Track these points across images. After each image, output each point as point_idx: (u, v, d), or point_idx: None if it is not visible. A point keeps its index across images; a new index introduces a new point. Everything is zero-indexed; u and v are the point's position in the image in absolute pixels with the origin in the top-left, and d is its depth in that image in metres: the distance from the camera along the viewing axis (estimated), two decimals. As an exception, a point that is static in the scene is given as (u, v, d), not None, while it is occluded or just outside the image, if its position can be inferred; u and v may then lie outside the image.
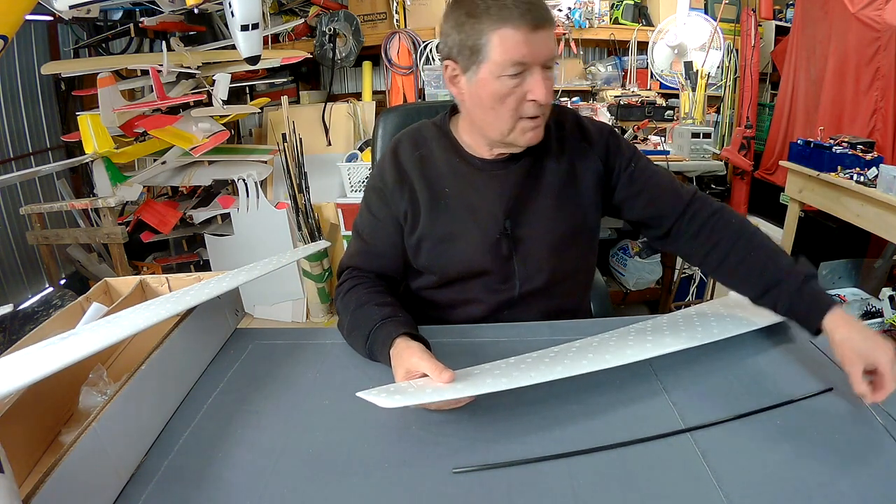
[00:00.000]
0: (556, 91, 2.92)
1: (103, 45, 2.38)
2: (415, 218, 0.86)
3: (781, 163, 2.31)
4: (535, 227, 0.85)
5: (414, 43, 2.66)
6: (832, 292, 2.02)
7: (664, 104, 2.74)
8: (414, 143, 0.89)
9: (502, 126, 0.78)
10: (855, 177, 1.86)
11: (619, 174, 0.87)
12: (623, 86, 2.98)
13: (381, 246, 0.89)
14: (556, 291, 0.90)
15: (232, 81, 2.28)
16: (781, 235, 2.30)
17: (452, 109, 0.91)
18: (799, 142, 2.16)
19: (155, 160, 2.28)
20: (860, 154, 1.92)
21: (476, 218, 0.85)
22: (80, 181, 2.71)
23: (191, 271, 1.87)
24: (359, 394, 0.60)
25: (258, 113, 2.79)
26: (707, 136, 2.48)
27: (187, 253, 2.62)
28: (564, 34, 2.78)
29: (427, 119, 0.93)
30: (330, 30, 2.64)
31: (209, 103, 2.25)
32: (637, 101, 2.70)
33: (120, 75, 2.29)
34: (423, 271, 0.90)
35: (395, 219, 0.87)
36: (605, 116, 2.68)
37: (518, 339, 0.77)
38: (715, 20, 2.58)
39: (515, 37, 0.72)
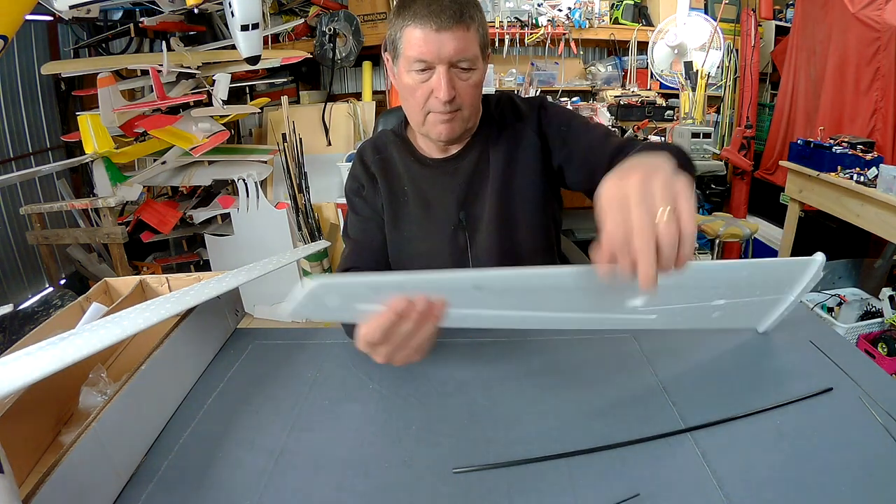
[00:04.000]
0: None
1: (103, 45, 2.38)
2: (387, 214, 0.92)
3: (781, 163, 2.31)
4: (484, 213, 0.88)
5: (414, 43, 2.66)
6: (832, 292, 2.02)
7: (664, 104, 2.74)
8: (375, 148, 0.95)
9: (416, 117, 0.84)
10: (855, 177, 1.86)
11: (553, 140, 0.89)
12: (623, 86, 2.98)
13: (370, 241, 0.93)
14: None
15: (232, 81, 2.29)
16: (781, 235, 2.31)
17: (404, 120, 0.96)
18: (799, 142, 2.16)
19: (155, 160, 2.28)
20: (860, 154, 1.93)
21: (433, 214, 0.89)
22: (80, 181, 2.71)
23: (191, 271, 1.87)
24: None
25: (258, 113, 2.79)
26: (707, 136, 2.48)
27: (187, 253, 2.62)
28: (564, 34, 2.78)
29: None
30: (330, 30, 2.65)
31: (209, 103, 2.25)
32: (637, 101, 2.71)
33: (120, 75, 2.29)
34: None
35: (378, 213, 0.93)
36: (604, 116, 2.68)
37: (518, 339, 0.77)
38: (715, 20, 2.58)
39: (418, 35, 0.76)
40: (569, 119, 0.89)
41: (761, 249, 2.66)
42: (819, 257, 0.66)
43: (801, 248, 2.20)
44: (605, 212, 0.44)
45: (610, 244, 0.43)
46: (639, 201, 0.42)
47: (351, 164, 0.98)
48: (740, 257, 2.83)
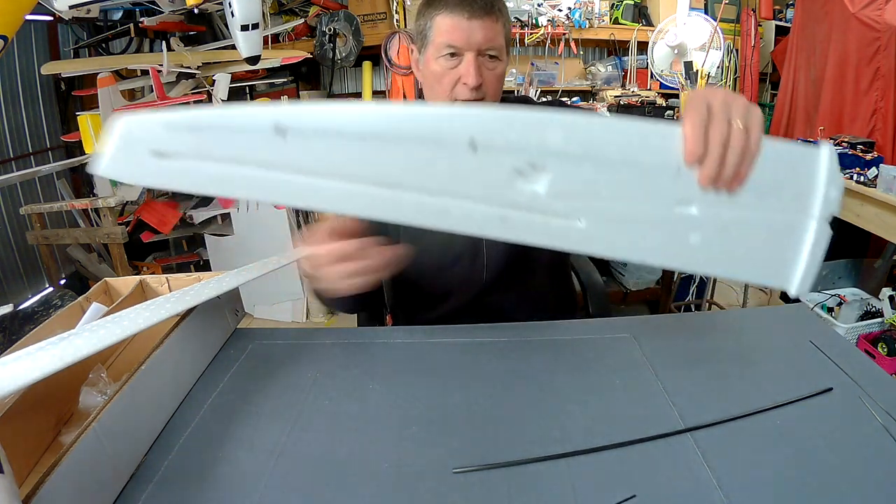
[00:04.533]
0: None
1: (103, 45, 2.38)
2: None
3: (781, 163, 2.31)
4: None
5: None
6: (832, 292, 2.02)
7: (664, 104, 2.74)
8: None
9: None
10: (855, 177, 1.86)
11: None
12: (623, 86, 2.98)
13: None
14: (524, 272, 0.93)
15: (232, 81, 2.29)
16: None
17: None
18: (799, 141, 2.16)
19: (155, 160, 2.27)
20: (860, 154, 1.92)
21: None
22: (80, 181, 2.71)
23: (191, 271, 1.87)
24: None
25: (258, 113, 2.79)
26: (707, 136, 2.48)
27: (187, 253, 2.62)
28: (564, 34, 2.78)
29: None
30: (330, 30, 2.64)
31: (209, 103, 2.25)
32: (637, 101, 2.71)
33: (120, 75, 2.29)
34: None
35: None
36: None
37: (518, 339, 0.77)
38: (715, 20, 2.58)
39: (449, 22, 0.79)
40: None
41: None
42: (825, 147, 0.49)
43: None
44: (688, 104, 0.48)
45: (691, 127, 0.46)
46: (721, 106, 0.47)
47: None
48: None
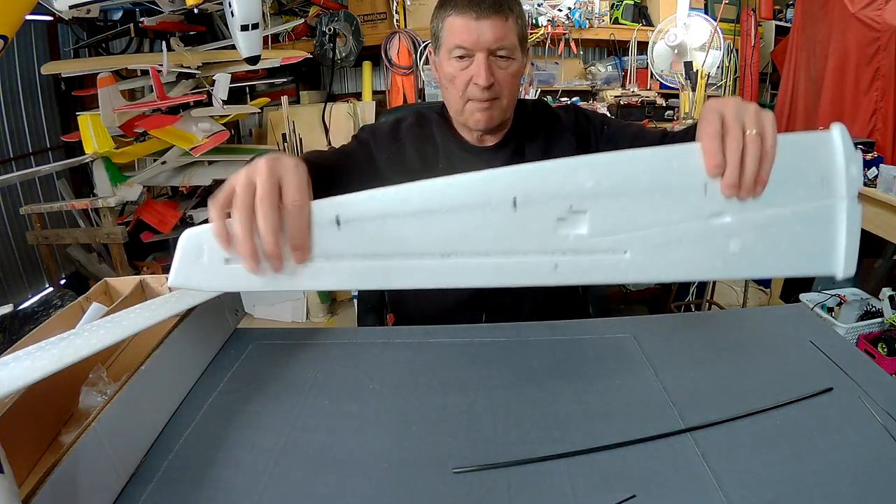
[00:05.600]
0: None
1: (103, 45, 2.39)
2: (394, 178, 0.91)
3: (781, 163, 2.31)
4: None
5: (414, 43, 2.66)
6: (832, 292, 2.02)
7: (664, 104, 2.74)
8: (417, 120, 0.96)
9: (456, 106, 0.87)
10: (855, 177, 1.86)
11: (597, 138, 0.93)
12: (623, 86, 2.98)
13: (331, 158, 0.88)
14: None
15: (232, 81, 2.29)
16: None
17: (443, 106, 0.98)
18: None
19: (155, 160, 2.28)
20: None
21: None
22: (80, 181, 2.71)
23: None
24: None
25: (258, 113, 2.79)
26: (707, 136, 2.48)
27: (187, 253, 2.61)
28: (564, 34, 2.78)
29: None
30: (330, 30, 2.65)
31: (209, 103, 2.25)
32: (637, 101, 2.71)
33: (120, 75, 2.29)
34: None
35: (365, 158, 0.91)
36: (605, 116, 2.68)
37: (518, 339, 0.77)
38: (715, 20, 2.58)
39: (459, 23, 0.80)
40: (606, 120, 0.95)
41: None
42: (836, 128, 0.50)
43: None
44: (702, 118, 0.50)
45: (707, 140, 0.48)
46: (733, 116, 0.49)
47: (376, 122, 1.01)
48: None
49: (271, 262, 0.48)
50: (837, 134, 0.50)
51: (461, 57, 0.81)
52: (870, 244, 2.17)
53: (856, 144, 0.50)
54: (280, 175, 0.47)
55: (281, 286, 0.51)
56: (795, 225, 0.50)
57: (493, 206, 0.48)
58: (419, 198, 0.48)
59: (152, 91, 2.10)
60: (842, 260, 0.52)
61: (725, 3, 2.60)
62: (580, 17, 2.77)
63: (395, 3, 2.69)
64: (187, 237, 0.50)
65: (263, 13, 2.11)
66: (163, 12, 2.03)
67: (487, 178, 0.48)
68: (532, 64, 2.96)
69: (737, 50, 2.88)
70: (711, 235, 0.49)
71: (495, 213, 0.48)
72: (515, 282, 0.50)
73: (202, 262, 0.50)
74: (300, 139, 2.40)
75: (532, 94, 2.80)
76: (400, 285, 0.50)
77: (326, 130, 2.65)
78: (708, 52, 2.60)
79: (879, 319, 1.87)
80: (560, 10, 2.76)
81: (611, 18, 2.88)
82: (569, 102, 2.78)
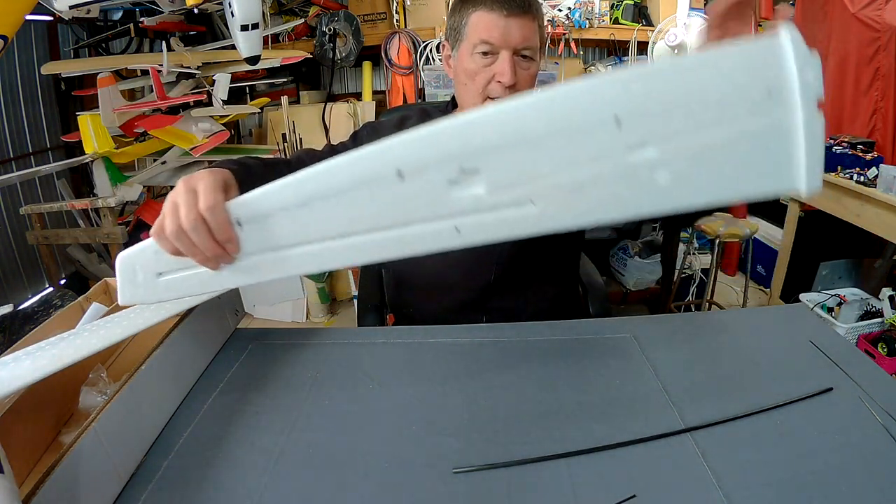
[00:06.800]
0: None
1: (103, 45, 2.38)
2: None
3: (781, 163, 2.31)
4: None
5: (414, 43, 2.65)
6: (832, 292, 2.02)
7: (664, 104, 2.73)
8: (422, 118, 0.95)
9: (472, 102, 0.85)
10: (855, 177, 1.86)
11: None
12: (623, 86, 2.97)
13: (321, 157, 0.85)
14: (532, 276, 0.93)
15: (232, 81, 2.28)
16: (781, 235, 2.31)
17: (452, 102, 0.97)
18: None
19: (155, 160, 2.27)
20: (860, 154, 1.93)
21: None
22: (80, 181, 2.71)
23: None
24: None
25: (258, 113, 2.79)
26: (707, 135, 2.48)
27: (187, 253, 2.61)
28: (564, 34, 2.78)
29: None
30: (330, 30, 2.64)
31: (209, 103, 2.25)
32: (637, 101, 2.70)
33: (120, 75, 2.29)
34: None
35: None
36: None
37: (518, 339, 0.77)
38: (715, 20, 2.57)
39: (486, 19, 0.78)
40: None
41: (761, 249, 2.66)
42: (784, 29, 0.42)
43: (802, 248, 2.20)
44: None
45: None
46: None
47: (377, 119, 1.00)
48: (740, 257, 2.82)
49: (222, 260, 0.52)
50: (786, 37, 0.43)
51: (485, 53, 0.80)
52: (870, 244, 2.17)
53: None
54: (194, 187, 0.52)
55: (209, 288, 0.56)
56: (740, 145, 0.44)
57: (378, 181, 0.47)
58: (306, 186, 0.49)
59: (152, 91, 2.10)
60: (803, 173, 0.45)
61: (725, 3, 2.60)
62: (580, 17, 2.76)
63: (395, 3, 2.69)
64: (120, 261, 0.55)
65: (263, 13, 2.11)
66: (163, 12, 2.03)
67: (367, 155, 0.47)
68: (532, 64, 2.96)
69: (737, 50, 2.88)
70: (632, 171, 0.45)
71: (382, 188, 0.47)
72: (420, 249, 0.50)
73: (139, 281, 0.55)
74: (300, 139, 2.40)
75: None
76: (311, 269, 0.53)
77: (326, 130, 2.65)
78: (708, 52, 2.60)
79: (879, 319, 1.88)
80: (560, 10, 2.76)
81: (611, 18, 2.88)
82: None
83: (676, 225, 1.94)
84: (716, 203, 0.47)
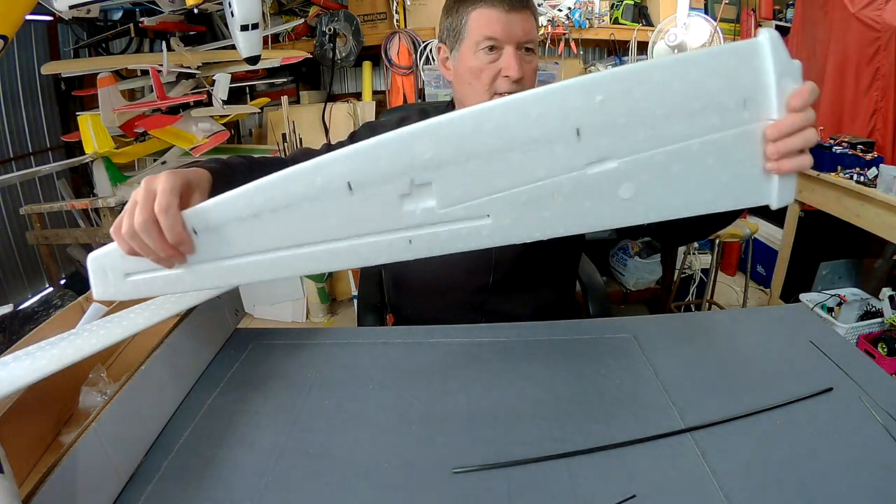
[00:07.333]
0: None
1: (103, 45, 2.38)
2: None
3: (781, 163, 2.31)
4: None
5: (414, 43, 2.65)
6: (832, 292, 2.02)
7: (664, 104, 2.73)
8: (422, 119, 0.93)
9: (478, 100, 0.82)
10: (855, 177, 1.86)
11: None
12: (623, 86, 2.97)
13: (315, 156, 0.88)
14: (531, 281, 0.93)
15: (232, 81, 2.28)
16: (781, 235, 2.31)
17: (451, 105, 0.96)
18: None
19: (155, 160, 2.28)
20: (860, 154, 1.93)
21: None
22: (80, 181, 2.71)
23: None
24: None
25: (258, 113, 2.79)
26: (707, 135, 2.48)
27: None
28: (564, 34, 2.77)
29: None
30: (330, 30, 2.64)
31: (209, 103, 2.25)
32: (637, 101, 2.70)
33: (120, 75, 2.29)
34: None
35: None
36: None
37: (518, 339, 0.77)
38: (715, 20, 2.57)
39: (489, 15, 0.79)
40: None
41: (761, 249, 2.66)
42: (764, 33, 0.40)
43: (802, 248, 2.20)
44: None
45: None
46: None
47: (377, 119, 1.00)
48: (740, 257, 2.82)
49: (176, 260, 0.53)
50: (766, 43, 0.40)
51: (490, 49, 0.80)
52: (870, 244, 2.17)
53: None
54: (153, 187, 0.52)
55: (174, 289, 0.57)
56: (707, 158, 0.43)
57: (328, 194, 0.47)
58: (258, 197, 0.49)
59: (152, 91, 2.10)
60: (775, 186, 0.44)
61: (725, 3, 2.60)
62: (580, 17, 2.76)
63: (395, 3, 2.69)
64: (91, 261, 0.56)
65: (263, 13, 2.10)
66: (163, 12, 2.03)
67: (319, 166, 0.47)
68: (532, 64, 2.96)
69: (737, 50, 2.88)
70: (593, 185, 0.43)
71: (332, 200, 0.47)
72: (373, 260, 0.50)
73: (109, 280, 0.56)
74: (300, 139, 2.40)
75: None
76: (269, 276, 0.52)
77: (326, 130, 2.65)
78: (708, 52, 2.60)
79: (879, 319, 1.87)
80: (560, 10, 2.75)
81: (611, 18, 2.88)
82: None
83: (681, 240, 1.88)
84: (678, 216, 0.45)
